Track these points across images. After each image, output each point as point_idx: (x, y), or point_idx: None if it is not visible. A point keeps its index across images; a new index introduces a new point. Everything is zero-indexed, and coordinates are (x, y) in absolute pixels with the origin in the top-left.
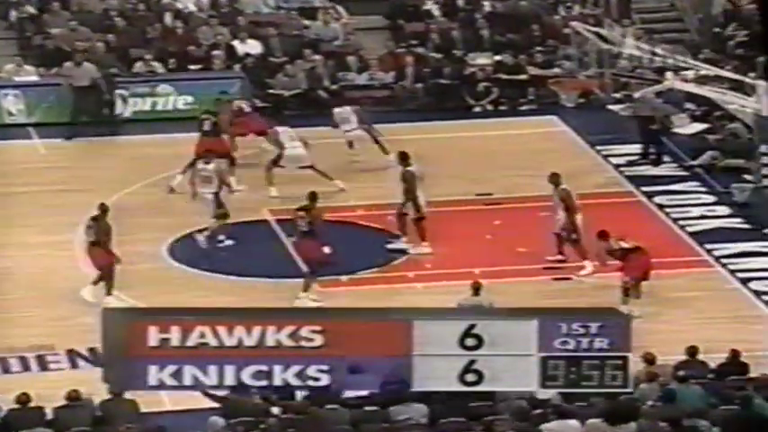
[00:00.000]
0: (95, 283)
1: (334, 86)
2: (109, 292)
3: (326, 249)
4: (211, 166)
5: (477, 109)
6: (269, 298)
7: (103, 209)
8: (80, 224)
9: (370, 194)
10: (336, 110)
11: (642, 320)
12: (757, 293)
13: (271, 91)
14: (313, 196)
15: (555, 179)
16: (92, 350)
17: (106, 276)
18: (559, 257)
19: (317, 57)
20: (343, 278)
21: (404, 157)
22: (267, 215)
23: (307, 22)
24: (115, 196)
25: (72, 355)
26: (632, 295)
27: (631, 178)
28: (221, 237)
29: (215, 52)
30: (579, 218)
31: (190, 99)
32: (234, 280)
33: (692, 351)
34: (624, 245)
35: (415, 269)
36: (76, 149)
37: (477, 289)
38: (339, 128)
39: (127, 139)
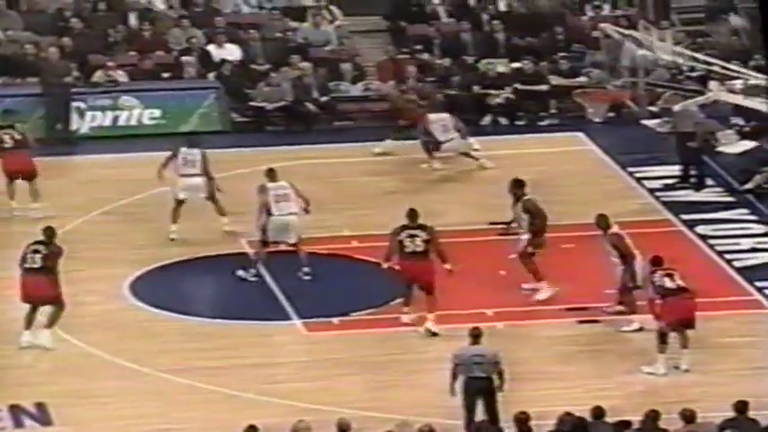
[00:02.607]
0: (49, 324)
1: (324, 98)
2: (50, 325)
3: (447, 266)
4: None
5: (490, 124)
6: (244, 344)
7: (51, 233)
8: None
9: (363, 223)
10: (432, 116)
11: (680, 372)
12: None
13: (252, 103)
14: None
15: (603, 222)
16: (39, 406)
17: (55, 309)
18: (618, 308)
19: (306, 64)
20: (334, 320)
21: (520, 185)
22: (245, 246)
23: (294, 24)
24: (69, 225)
25: (16, 411)
26: (680, 345)
27: (669, 205)
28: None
29: (186, 58)
30: (639, 264)
31: (157, 113)
32: (204, 323)
33: (741, 407)
34: (668, 283)
35: (416, 310)
36: None
37: (476, 336)
38: (433, 137)
39: (84, 158)
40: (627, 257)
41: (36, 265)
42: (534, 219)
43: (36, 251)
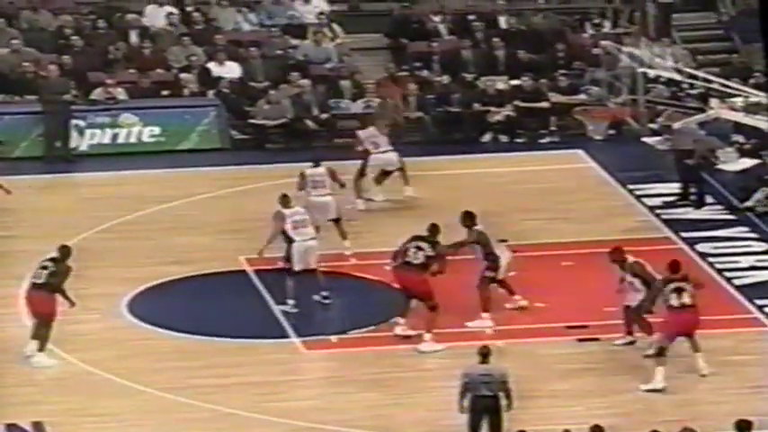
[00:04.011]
0: (40, 347)
1: (324, 115)
2: (41, 348)
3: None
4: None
5: (490, 141)
6: (243, 363)
7: (65, 252)
8: (26, 277)
9: (362, 241)
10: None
11: (682, 390)
12: None
13: (251, 121)
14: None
15: (618, 256)
16: (36, 425)
17: (42, 328)
18: (629, 339)
19: (305, 81)
20: (333, 338)
21: (471, 217)
22: (244, 264)
23: (295, 42)
24: (68, 243)
25: (13, 430)
26: (692, 350)
27: (669, 222)
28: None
29: (185, 75)
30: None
31: (157, 130)
32: (203, 341)
33: (742, 426)
34: (672, 300)
35: (416, 327)
36: (23, 189)
37: (485, 355)
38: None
39: (83, 176)
40: (650, 283)
41: (40, 281)
42: (486, 249)
43: (44, 267)
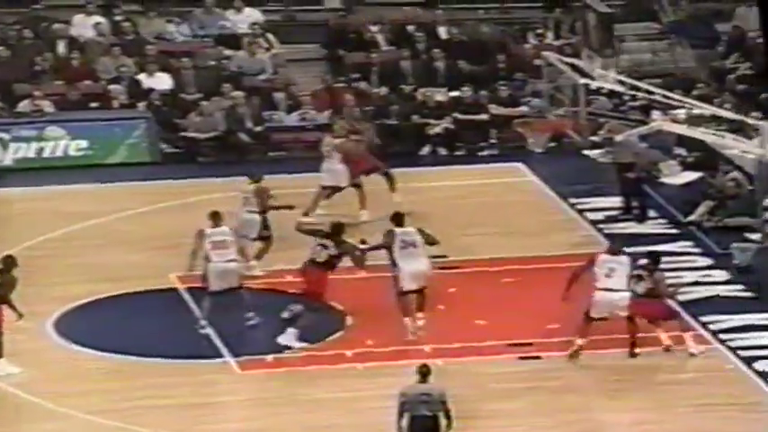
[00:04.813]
0: None
1: (258, 128)
2: None
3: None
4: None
5: (429, 154)
6: (175, 384)
7: (10, 262)
8: None
9: (298, 258)
10: None
11: (628, 409)
12: (763, 375)
13: (183, 134)
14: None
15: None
16: None
17: None
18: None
19: (239, 93)
20: (269, 358)
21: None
22: (175, 282)
23: (228, 53)
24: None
25: None
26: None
27: (611, 237)
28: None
29: (114, 86)
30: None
31: (84, 144)
32: (133, 361)
33: None
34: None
35: (354, 346)
36: None
37: (424, 374)
38: None
39: (7, 191)
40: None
41: None
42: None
43: None
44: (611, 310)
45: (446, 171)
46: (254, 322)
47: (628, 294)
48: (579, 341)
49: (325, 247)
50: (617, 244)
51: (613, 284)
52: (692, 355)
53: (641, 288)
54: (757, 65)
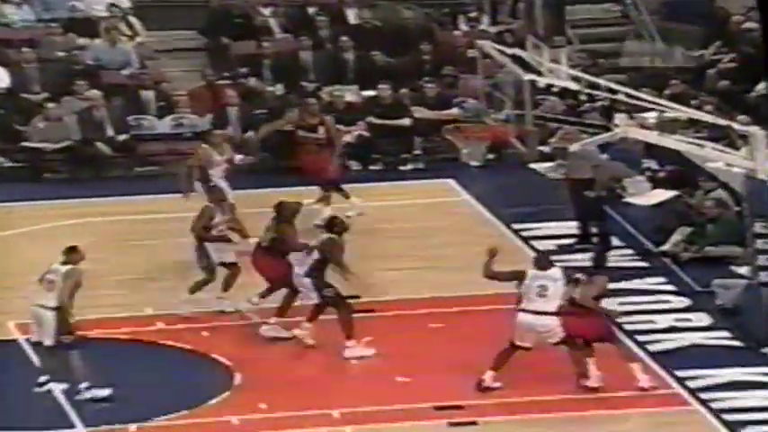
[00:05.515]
0: None
1: (122, 137)
2: None
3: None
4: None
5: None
6: None
7: None
8: None
9: (172, 301)
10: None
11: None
12: None
13: (25, 144)
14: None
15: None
16: None
17: None
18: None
19: (96, 92)
20: (132, 428)
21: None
22: (14, 331)
23: (82, 41)
24: None
25: None
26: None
27: (566, 271)
28: None
29: None
30: None
31: None
32: None
33: None
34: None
35: (241, 411)
36: None
37: None
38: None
39: None
40: None
41: None
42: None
43: None
44: (537, 337)
45: (359, 189)
46: (43, 389)
47: (556, 321)
48: (488, 374)
49: (268, 229)
50: (544, 257)
51: (543, 306)
52: (643, 390)
53: (577, 294)
54: (743, 56)
